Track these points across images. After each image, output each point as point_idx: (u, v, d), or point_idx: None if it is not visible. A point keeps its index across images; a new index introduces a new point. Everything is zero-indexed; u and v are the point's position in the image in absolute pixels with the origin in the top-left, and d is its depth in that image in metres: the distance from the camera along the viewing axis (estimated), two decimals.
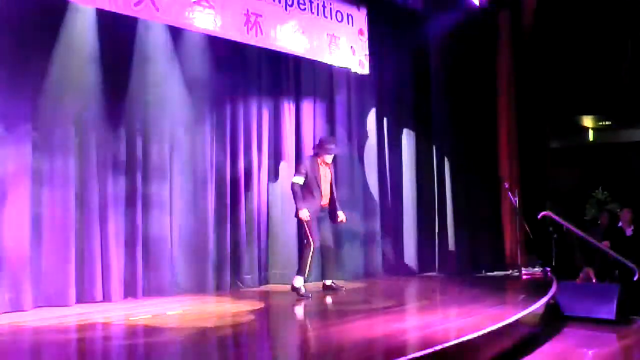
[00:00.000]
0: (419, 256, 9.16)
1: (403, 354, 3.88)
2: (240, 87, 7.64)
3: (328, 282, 7.07)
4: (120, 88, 6.56)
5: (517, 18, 9.61)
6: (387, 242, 8.89)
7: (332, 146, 6.96)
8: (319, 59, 7.74)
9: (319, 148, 6.91)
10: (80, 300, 6.17)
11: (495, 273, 8.78)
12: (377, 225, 8.81)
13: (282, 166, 7.96)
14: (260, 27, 6.98)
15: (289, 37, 7.30)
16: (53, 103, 6.06)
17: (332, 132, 8.41)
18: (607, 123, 14.50)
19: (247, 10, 6.86)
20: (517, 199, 8.91)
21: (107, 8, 5.80)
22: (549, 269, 8.18)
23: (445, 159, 9.13)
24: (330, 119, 8.45)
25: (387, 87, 9.12)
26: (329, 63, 7.89)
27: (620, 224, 9.31)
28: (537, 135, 10.74)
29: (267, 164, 7.87)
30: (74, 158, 6.22)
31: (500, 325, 4.85)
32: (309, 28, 7.51)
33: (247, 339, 5.03)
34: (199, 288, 7.05)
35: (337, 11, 7.95)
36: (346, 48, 7.99)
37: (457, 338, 4.35)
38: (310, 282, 7.14)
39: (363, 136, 8.79)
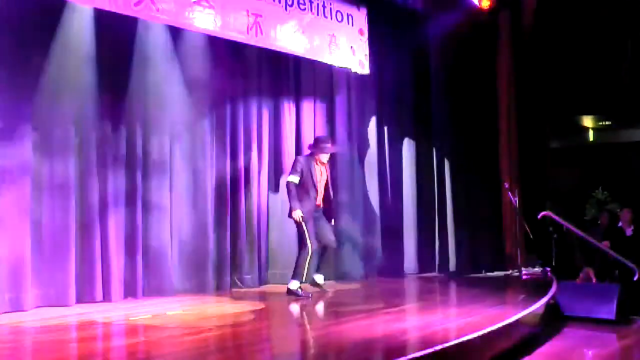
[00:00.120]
0: (419, 256, 9.16)
1: (403, 354, 3.88)
2: (240, 87, 7.64)
3: (320, 280, 6.94)
4: (120, 88, 6.56)
5: (517, 18, 9.61)
6: (387, 242, 8.88)
7: (328, 145, 6.91)
8: (319, 59, 7.74)
9: (315, 147, 6.85)
10: (80, 300, 6.17)
11: (495, 273, 8.78)
12: (377, 225, 8.81)
13: (283, 166, 7.95)
14: (260, 27, 6.98)
15: (289, 37, 7.31)
16: (53, 103, 6.06)
17: (332, 132, 8.41)
18: (607, 123, 14.51)
19: (247, 11, 6.86)
20: (517, 199, 8.92)
21: (107, 8, 5.80)
22: (549, 269, 8.19)
23: (446, 159, 9.14)
24: (330, 119, 8.45)
25: (387, 87, 9.12)
26: (329, 63, 7.89)
27: (620, 224, 9.32)
28: (537, 135, 10.75)
29: (267, 163, 7.87)
30: (74, 158, 6.22)
31: (500, 325, 4.85)
32: (309, 28, 7.52)
33: (247, 339, 5.03)
34: (199, 288, 7.05)
35: (337, 11, 7.95)
36: (346, 48, 7.99)
37: (457, 338, 4.35)
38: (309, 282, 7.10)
39: (363, 136, 8.80)
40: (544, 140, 11.69)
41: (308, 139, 8.02)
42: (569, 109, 12.69)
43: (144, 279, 6.70)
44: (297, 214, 6.54)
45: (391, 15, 8.84)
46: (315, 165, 6.78)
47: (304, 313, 6.20)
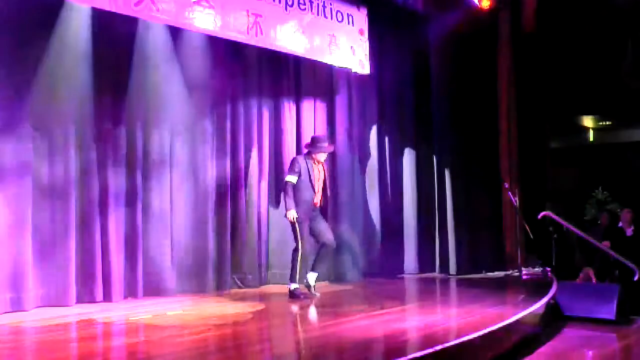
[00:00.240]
0: (419, 256, 9.16)
1: (403, 354, 3.88)
2: (240, 87, 7.64)
3: (312, 280, 6.78)
4: (121, 88, 6.56)
5: (518, 18, 9.61)
6: (387, 242, 8.88)
7: (326, 144, 6.87)
8: (319, 59, 7.74)
9: (312, 146, 6.80)
10: (80, 300, 6.18)
11: (496, 273, 8.77)
12: (377, 225, 8.81)
13: (283, 166, 7.94)
14: (260, 27, 6.98)
15: (289, 37, 7.31)
16: (53, 103, 6.06)
17: (332, 132, 8.42)
18: (607, 123, 14.52)
19: (247, 11, 6.86)
20: (517, 199, 8.92)
21: (107, 8, 5.80)
22: (549, 269, 8.18)
23: (446, 158, 9.12)
24: (331, 119, 8.45)
25: (387, 87, 9.12)
26: (329, 63, 7.89)
27: (620, 224, 9.32)
28: (537, 135, 10.74)
29: (268, 163, 7.87)
30: (75, 158, 6.22)
31: (500, 325, 4.85)
32: (309, 28, 7.52)
33: (247, 339, 5.03)
34: (199, 288, 7.05)
35: (337, 11, 7.95)
36: (346, 48, 7.99)
37: (457, 338, 4.36)
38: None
39: (363, 136, 8.79)
40: (544, 140, 11.69)
41: (308, 139, 8.02)
42: (569, 109, 12.69)
43: (144, 279, 6.70)
44: (292, 214, 6.51)
45: (391, 16, 8.83)
46: (313, 165, 6.75)
47: (304, 313, 6.20)
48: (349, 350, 4.44)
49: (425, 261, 9.14)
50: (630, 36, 10.31)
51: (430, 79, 9.21)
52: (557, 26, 9.95)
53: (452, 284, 8.23)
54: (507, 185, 8.92)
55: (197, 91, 7.14)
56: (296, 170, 6.63)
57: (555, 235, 8.42)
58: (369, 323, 5.35)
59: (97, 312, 5.86)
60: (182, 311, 6.00)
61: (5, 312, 5.63)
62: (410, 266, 9.13)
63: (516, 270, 8.60)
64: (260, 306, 6.30)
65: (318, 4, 7.68)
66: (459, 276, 8.65)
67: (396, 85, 9.19)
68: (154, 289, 6.79)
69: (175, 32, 6.86)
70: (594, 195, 12.96)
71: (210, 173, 7.28)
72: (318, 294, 6.76)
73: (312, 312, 6.22)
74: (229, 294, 7.10)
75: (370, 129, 8.89)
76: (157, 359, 4.35)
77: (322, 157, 6.82)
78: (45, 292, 6.02)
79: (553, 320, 6.30)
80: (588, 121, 14.62)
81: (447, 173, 9.06)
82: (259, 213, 7.73)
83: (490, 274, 8.74)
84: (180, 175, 7.07)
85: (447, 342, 4.23)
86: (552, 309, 6.45)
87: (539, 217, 8.30)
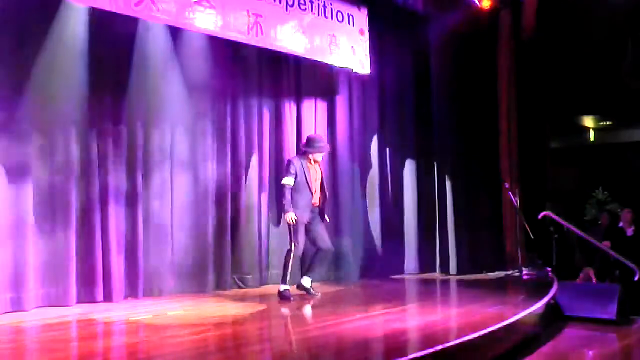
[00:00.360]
0: (419, 256, 9.17)
1: (403, 354, 3.88)
2: (241, 88, 7.64)
3: (307, 284, 6.75)
4: (121, 88, 6.56)
5: (518, 18, 9.60)
6: (388, 242, 8.88)
7: (322, 144, 6.83)
8: (320, 59, 7.74)
9: (309, 146, 6.75)
10: (80, 300, 6.18)
11: (496, 273, 8.77)
12: (377, 224, 8.81)
13: (283, 166, 7.93)
14: (260, 27, 6.98)
15: (290, 37, 7.31)
16: (53, 103, 6.05)
17: (332, 131, 8.43)
18: (607, 123, 14.51)
19: (248, 11, 6.86)
20: (517, 198, 8.91)
21: (107, 8, 5.80)
22: (549, 269, 8.18)
23: (446, 158, 9.12)
24: (331, 119, 8.46)
25: (387, 87, 9.13)
26: (330, 63, 7.89)
27: (620, 224, 9.32)
28: (537, 135, 10.73)
29: (268, 163, 7.86)
30: (75, 158, 6.23)
31: (500, 325, 4.85)
32: (309, 28, 7.52)
33: (247, 339, 5.04)
34: (199, 288, 7.06)
35: (338, 11, 7.95)
36: (347, 48, 7.99)
37: (457, 338, 4.36)
38: (315, 282, 7.07)
39: (364, 135, 8.79)
40: (545, 140, 11.67)
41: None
42: (569, 109, 12.69)
43: (144, 279, 6.70)
44: (290, 216, 6.47)
45: (391, 16, 8.83)
46: (309, 165, 6.71)
47: (304, 313, 6.20)
48: (349, 350, 4.44)
49: (425, 261, 9.15)
50: (630, 36, 10.31)
51: (431, 79, 9.21)
52: (557, 26, 9.95)
53: (452, 284, 8.23)
54: (507, 185, 8.92)
55: (197, 91, 7.15)
56: (292, 172, 6.58)
57: (555, 235, 8.42)
58: (369, 323, 5.35)
59: (98, 312, 5.87)
60: (182, 311, 6.00)
61: (6, 312, 5.64)
62: (411, 266, 9.13)
63: (516, 270, 8.60)
64: (260, 306, 6.31)
65: (318, 4, 7.69)
66: (459, 276, 8.65)
67: (396, 85, 9.19)
68: (155, 289, 6.81)
69: (175, 32, 6.86)
70: (594, 195, 12.96)
71: (211, 173, 7.29)
72: (318, 294, 6.76)
73: (312, 312, 6.22)
74: (229, 294, 7.10)
75: (370, 128, 8.89)
76: (157, 359, 4.35)
77: (319, 157, 6.80)
78: (46, 292, 6.02)
79: (553, 320, 6.29)
80: (588, 121, 14.62)
81: (447, 173, 9.05)
82: (259, 213, 7.72)
83: (490, 274, 8.73)
84: (180, 176, 7.07)
85: (447, 342, 4.23)
86: (553, 309, 6.45)
87: (539, 217, 8.30)
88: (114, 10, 5.83)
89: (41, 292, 5.99)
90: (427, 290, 7.99)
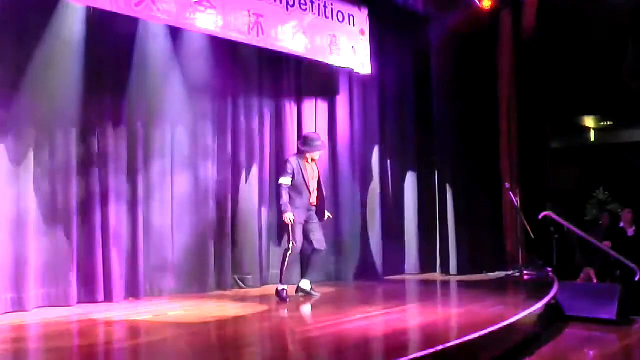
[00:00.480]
0: (420, 256, 9.17)
1: (403, 354, 3.88)
2: (241, 88, 7.64)
3: (306, 286, 6.73)
4: (121, 88, 6.55)
5: (518, 18, 9.60)
6: (388, 242, 8.88)
7: (319, 142, 6.81)
8: (320, 59, 7.74)
9: (305, 145, 6.72)
10: (81, 300, 6.19)
11: (496, 273, 8.77)
12: (377, 224, 8.81)
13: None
14: (261, 27, 6.98)
15: (290, 37, 7.30)
16: (53, 103, 6.05)
17: (333, 131, 8.43)
18: (607, 123, 14.50)
19: (248, 10, 6.86)
20: (517, 199, 8.91)
21: (107, 8, 5.79)
22: (549, 269, 8.18)
23: (446, 158, 9.12)
24: (332, 119, 8.46)
25: (388, 87, 9.13)
26: (330, 63, 7.89)
27: (621, 224, 9.31)
28: (537, 135, 10.73)
29: (268, 163, 7.87)
30: (75, 158, 6.23)
31: (500, 325, 4.85)
32: (310, 28, 7.52)
33: (247, 339, 5.04)
34: (199, 288, 7.07)
35: (338, 11, 7.95)
36: (347, 48, 7.99)
37: (457, 338, 4.36)
38: (315, 282, 7.06)
39: (364, 135, 8.79)
40: (545, 140, 11.67)
41: None
42: (569, 109, 12.68)
43: (145, 279, 6.71)
44: (288, 216, 6.44)
45: (392, 16, 8.83)
46: (306, 164, 6.68)
47: (304, 313, 6.21)
48: (349, 350, 4.44)
49: (425, 261, 9.15)
50: (631, 36, 10.30)
51: (431, 79, 9.22)
52: (557, 26, 9.94)
53: (453, 284, 8.23)
54: (507, 185, 8.91)
55: (197, 91, 7.15)
56: (289, 171, 6.56)
57: (556, 236, 8.42)
58: (369, 323, 5.35)
59: (98, 312, 5.87)
60: (182, 311, 6.01)
61: (6, 312, 5.64)
62: (411, 266, 9.14)
63: (517, 271, 8.60)
64: (260, 306, 6.31)
65: (319, 4, 7.68)
66: (460, 276, 8.65)
67: (397, 85, 9.19)
68: (155, 289, 6.82)
69: (175, 32, 6.86)
70: (595, 195, 12.96)
71: (211, 173, 7.29)
72: (318, 294, 6.76)
73: (312, 312, 6.23)
74: (230, 294, 7.11)
75: (370, 128, 8.88)
76: (157, 359, 4.36)
77: (316, 155, 6.78)
78: (46, 292, 6.03)
79: (554, 321, 6.29)
80: (589, 121, 14.61)
81: (447, 173, 9.05)
82: (259, 212, 7.73)
83: (490, 274, 8.73)
84: (180, 175, 7.08)
85: (448, 342, 4.23)
86: (553, 309, 6.45)
87: (540, 217, 8.30)
88: (114, 10, 5.82)
89: (41, 292, 5.99)
90: (427, 290, 7.99)
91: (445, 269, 8.94)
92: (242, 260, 7.53)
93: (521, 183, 9.52)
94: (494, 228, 9.34)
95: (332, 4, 7.84)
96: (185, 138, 7.14)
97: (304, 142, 6.79)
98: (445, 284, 8.29)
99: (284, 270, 6.53)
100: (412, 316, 5.92)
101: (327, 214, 6.89)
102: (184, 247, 7.05)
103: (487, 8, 9.07)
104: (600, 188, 12.98)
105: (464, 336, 4.39)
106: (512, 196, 8.71)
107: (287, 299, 6.46)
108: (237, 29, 6.78)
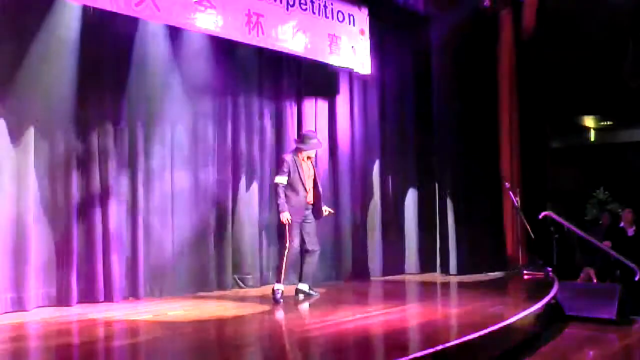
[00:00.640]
0: (420, 256, 9.17)
1: (403, 354, 3.88)
2: (241, 87, 7.64)
3: (305, 287, 6.72)
4: (121, 88, 6.55)
5: (518, 18, 9.60)
6: (388, 241, 8.88)
7: (316, 141, 6.77)
8: (321, 59, 7.74)
9: (302, 143, 6.67)
10: (81, 300, 6.19)
11: (496, 273, 8.77)
12: (378, 224, 8.81)
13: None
14: (261, 27, 6.98)
15: (290, 37, 7.31)
16: (53, 103, 6.05)
17: (333, 131, 8.43)
18: (608, 123, 14.50)
19: (249, 10, 6.87)
20: (518, 198, 8.90)
21: (108, 8, 5.80)
22: (550, 269, 8.17)
23: (446, 158, 9.12)
24: (332, 119, 8.46)
25: (388, 86, 9.13)
26: (331, 63, 7.89)
27: (621, 224, 9.31)
28: (538, 135, 10.73)
29: (269, 163, 7.86)
30: (76, 158, 6.23)
31: (501, 325, 4.85)
32: (310, 28, 7.52)
33: (247, 339, 5.04)
34: (200, 288, 7.07)
35: (339, 11, 7.95)
36: (347, 48, 7.99)
37: (457, 338, 4.36)
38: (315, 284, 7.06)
39: (364, 135, 8.79)
40: (545, 140, 11.67)
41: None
42: (570, 109, 12.67)
43: (145, 279, 6.71)
44: (285, 216, 6.38)
45: (392, 16, 8.84)
46: (302, 162, 6.61)
47: (304, 313, 6.21)
48: (348, 350, 4.44)
49: (425, 261, 9.15)
50: (631, 36, 10.29)
51: (431, 79, 9.22)
52: (558, 26, 9.94)
53: (453, 284, 8.22)
54: (507, 185, 8.91)
55: (198, 91, 7.15)
56: (285, 170, 6.48)
57: (556, 235, 8.42)
58: (369, 323, 5.35)
59: (98, 312, 5.87)
60: (182, 311, 6.01)
61: (6, 312, 5.64)
62: (411, 266, 9.14)
63: (517, 271, 8.60)
64: (260, 306, 6.30)
65: (319, 4, 7.69)
66: (460, 276, 8.64)
67: (397, 85, 9.20)
68: (155, 289, 6.81)
69: (175, 33, 6.86)
70: (595, 195, 12.95)
71: (211, 172, 7.29)
72: (318, 294, 6.75)
73: (312, 312, 6.23)
74: (230, 294, 7.11)
75: (370, 128, 8.89)
76: (157, 358, 4.36)
77: (312, 153, 6.75)
78: (46, 291, 6.03)
79: (554, 321, 6.29)
80: (589, 121, 14.60)
81: (447, 173, 9.05)
82: (259, 213, 7.72)
83: (490, 274, 8.73)
84: (181, 175, 7.07)
85: (448, 342, 4.23)
86: (553, 309, 6.45)
87: (540, 217, 8.30)
88: (114, 10, 5.82)
89: (41, 292, 5.99)
90: (427, 290, 7.99)
91: (445, 268, 8.94)
92: (242, 260, 7.53)
93: (521, 183, 9.52)
94: (494, 228, 9.33)
95: (332, 4, 7.84)
96: (185, 138, 7.14)
97: (301, 139, 6.76)
98: (445, 284, 8.29)
99: (282, 269, 6.45)
100: (412, 316, 5.91)
101: (327, 209, 6.83)
102: (184, 247, 7.05)
103: (487, 8, 9.08)
104: (601, 188, 12.98)
105: (464, 336, 4.39)
106: (513, 196, 8.71)
107: (280, 301, 6.37)
108: (238, 29, 6.78)
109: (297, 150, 6.67)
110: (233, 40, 6.94)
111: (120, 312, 5.91)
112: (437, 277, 8.84)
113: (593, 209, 12.66)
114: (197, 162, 7.19)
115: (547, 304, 6.15)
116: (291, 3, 7.34)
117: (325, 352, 4.47)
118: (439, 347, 4.06)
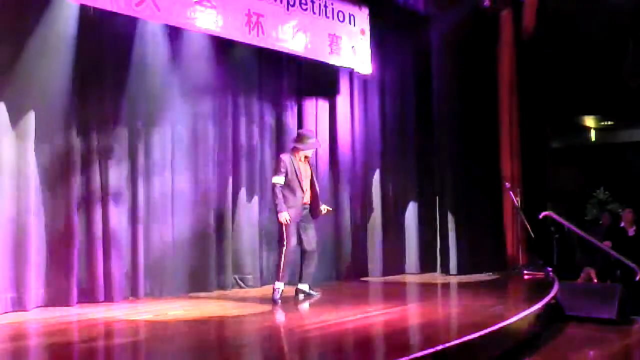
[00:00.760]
0: (420, 256, 9.17)
1: (403, 354, 3.88)
2: (241, 87, 7.64)
3: (305, 288, 6.71)
4: (120, 88, 6.55)
5: (519, 18, 9.60)
6: (388, 241, 8.88)
7: (313, 140, 6.75)
8: (321, 59, 7.75)
9: (299, 143, 6.63)
10: (81, 300, 6.19)
11: (497, 273, 8.76)
12: (378, 223, 8.81)
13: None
14: (261, 27, 6.98)
15: (291, 37, 7.31)
16: (53, 103, 6.04)
17: (333, 131, 8.43)
18: (608, 123, 14.50)
19: (249, 10, 6.87)
20: (518, 198, 8.90)
21: (108, 8, 5.80)
22: (550, 269, 8.17)
23: (447, 158, 9.12)
24: (332, 119, 8.47)
25: (389, 87, 9.13)
26: (331, 63, 7.89)
27: (622, 224, 9.31)
28: (538, 135, 10.73)
29: (269, 163, 7.86)
30: (76, 158, 6.23)
31: (500, 325, 4.85)
32: (310, 28, 7.52)
33: (247, 339, 5.04)
34: (200, 288, 7.06)
35: (339, 11, 7.95)
36: (348, 48, 8.00)
37: (458, 338, 4.36)
38: (316, 284, 7.06)
39: (365, 135, 8.79)
40: (546, 140, 11.67)
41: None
42: (570, 109, 12.68)
43: (145, 279, 6.71)
44: (284, 216, 6.35)
45: (393, 16, 8.83)
46: (299, 162, 6.58)
47: (304, 313, 6.21)
48: (349, 350, 4.44)
49: (426, 261, 9.15)
50: (631, 36, 10.29)
51: (432, 79, 9.22)
52: (558, 26, 9.94)
53: (453, 283, 8.22)
54: (508, 185, 8.91)
55: (198, 91, 7.15)
56: (282, 170, 6.43)
57: (556, 235, 8.42)
58: (369, 323, 5.35)
59: (98, 312, 5.87)
60: (183, 311, 6.01)
61: (6, 312, 5.64)
62: (411, 266, 9.14)
63: (517, 270, 8.60)
64: (260, 306, 6.30)
65: (319, 4, 7.69)
66: (460, 276, 8.64)
67: (397, 84, 9.20)
68: (155, 289, 6.81)
69: (175, 32, 6.86)
70: (595, 195, 12.96)
71: (212, 172, 7.29)
72: (318, 294, 6.75)
73: (312, 312, 6.23)
74: (230, 294, 7.11)
75: (371, 128, 8.89)
76: (157, 358, 4.36)
77: (309, 153, 6.71)
78: (46, 291, 6.02)
79: (554, 321, 6.29)
80: (589, 121, 14.61)
81: (447, 172, 9.05)
82: (260, 213, 7.72)
83: (491, 274, 8.72)
84: (181, 175, 7.07)
85: (448, 342, 4.23)
86: (553, 309, 6.44)
87: (540, 217, 8.29)
88: (115, 10, 5.83)
89: (41, 292, 5.99)
90: (427, 290, 7.99)
91: (445, 268, 8.94)
92: (243, 260, 7.53)
93: (522, 183, 9.52)
94: (494, 228, 9.33)
95: (332, 4, 7.84)
96: (185, 138, 7.13)
97: (298, 139, 6.71)
98: (445, 283, 8.29)
99: (280, 268, 6.42)
100: (412, 316, 5.92)
101: (325, 207, 6.81)
102: (184, 247, 7.04)
103: (487, 8, 9.08)
104: (601, 188, 12.98)
105: (464, 336, 4.39)
106: (513, 196, 8.71)
107: (279, 301, 6.36)
108: (238, 29, 6.78)
109: (294, 150, 6.63)
110: (233, 40, 6.94)
111: (120, 312, 5.90)
112: (437, 277, 8.84)
113: (593, 209, 12.66)
114: (197, 162, 7.19)
115: (547, 304, 6.14)
116: (291, 3, 7.34)
117: (325, 352, 4.47)
118: (439, 347, 4.05)
